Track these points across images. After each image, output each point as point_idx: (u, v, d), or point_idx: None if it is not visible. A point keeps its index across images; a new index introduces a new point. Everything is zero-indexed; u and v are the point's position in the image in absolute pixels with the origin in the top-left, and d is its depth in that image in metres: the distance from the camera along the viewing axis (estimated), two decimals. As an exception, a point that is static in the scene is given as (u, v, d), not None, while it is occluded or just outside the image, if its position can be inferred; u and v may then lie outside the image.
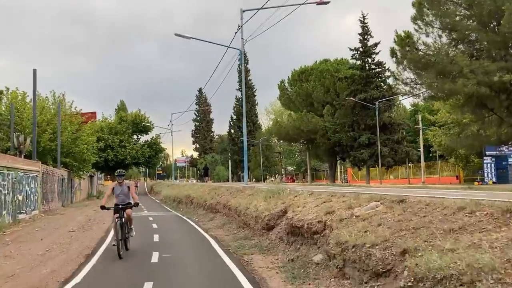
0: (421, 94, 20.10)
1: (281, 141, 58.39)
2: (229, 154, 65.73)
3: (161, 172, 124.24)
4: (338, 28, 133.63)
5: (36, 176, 19.84)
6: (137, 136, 49.44)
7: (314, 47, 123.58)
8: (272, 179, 57.39)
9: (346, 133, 32.78)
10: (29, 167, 18.93)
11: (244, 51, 64.07)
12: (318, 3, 17.93)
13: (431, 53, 17.75)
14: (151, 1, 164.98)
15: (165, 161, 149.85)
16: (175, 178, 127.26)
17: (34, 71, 20.55)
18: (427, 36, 18.04)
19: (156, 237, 11.43)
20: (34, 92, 20.90)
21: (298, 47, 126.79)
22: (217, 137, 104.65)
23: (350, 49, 34.33)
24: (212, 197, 17.46)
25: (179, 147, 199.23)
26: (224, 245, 9.72)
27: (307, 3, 17.41)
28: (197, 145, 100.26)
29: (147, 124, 48.80)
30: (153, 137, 51.02)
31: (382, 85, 34.09)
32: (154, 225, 14.22)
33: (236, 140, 63.99)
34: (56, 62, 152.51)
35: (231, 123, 64.67)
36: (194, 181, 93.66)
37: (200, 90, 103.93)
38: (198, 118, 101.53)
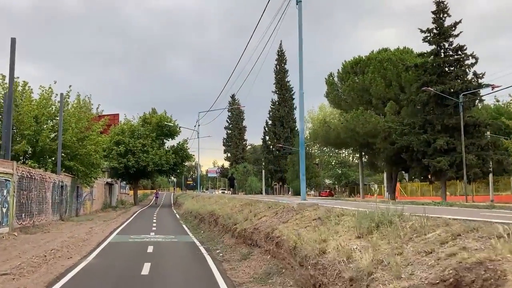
0: None
1: (324, 148, 52.07)
2: (263, 164, 59.65)
3: (191, 182, 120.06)
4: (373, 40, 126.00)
5: (7, 180, 14.63)
6: (162, 141, 44.49)
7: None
8: (313, 192, 50.53)
9: (417, 136, 25.65)
10: (-8, 167, 13.76)
11: (282, 49, 57.50)
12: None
13: None
14: (185, 15, 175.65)
15: (195, 171, 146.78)
16: (207, 189, 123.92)
17: (13, 40, 15.59)
18: None
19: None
20: (11, 64, 15.92)
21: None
22: (249, 146, 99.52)
23: (422, 31, 27.37)
24: (246, 218, 11.40)
25: (210, 158, 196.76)
26: None
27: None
28: (229, 154, 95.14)
29: (170, 123, 43.65)
30: (179, 142, 45.95)
31: (465, 74, 26.80)
32: (145, 268, 8.18)
33: (271, 147, 57.96)
34: (93, 73, 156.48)
35: (266, 128, 58.68)
36: (219, 192, 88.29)
37: (233, 96, 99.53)
38: (230, 126, 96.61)
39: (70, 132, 23.74)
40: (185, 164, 47.58)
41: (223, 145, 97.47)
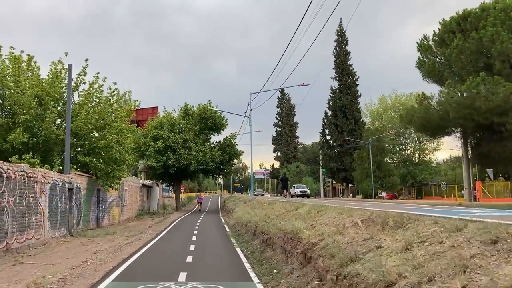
0: None
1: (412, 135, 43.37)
2: (321, 162, 51.71)
3: (238, 184, 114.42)
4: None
5: None
6: (206, 136, 38.39)
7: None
8: (384, 194, 41.88)
9: None
10: None
11: (342, 28, 49.43)
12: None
13: None
14: (230, 21, 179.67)
15: (242, 173, 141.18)
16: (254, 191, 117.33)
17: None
18: None
19: None
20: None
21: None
22: (300, 146, 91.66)
23: None
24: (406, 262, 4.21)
25: (257, 159, 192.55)
26: None
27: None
28: (279, 153, 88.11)
29: (215, 112, 37.41)
30: (226, 137, 39.62)
31: None
32: None
33: (331, 142, 49.92)
34: (143, 79, 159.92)
35: (325, 120, 50.71)
36: (269, 195, 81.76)
37: (282, 91, 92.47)
38: (280, 123, 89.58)
39: (83, 117, 17.85)
40: (234, 162, 41.04)
41: (273, 143, 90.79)
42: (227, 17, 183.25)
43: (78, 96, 19.36)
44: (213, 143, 39.40)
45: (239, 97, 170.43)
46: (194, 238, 14.37)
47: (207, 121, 37.77)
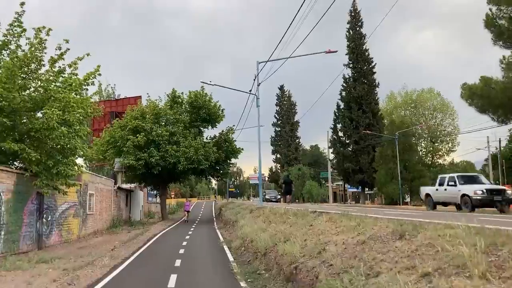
0: None
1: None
2: (334, 161, 45.48)
3: (233, 189, 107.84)
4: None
5: None
6: (198, 129, 32.14)
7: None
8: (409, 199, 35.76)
9: None
10: None
11: (356, 8, 43.65)
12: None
13: None
14: (224, 27, 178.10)
15: (237, 177, 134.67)
16: (248, 198, 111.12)
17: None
18: None
19: None
20: None
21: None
22: (301, 147, 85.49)
23: None
24: None
25: (251, 164, 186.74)
26: None
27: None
28: (278, 155, 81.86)
29: (209, 101, 31.42)
30: (223, 130, 33.39)
31: None
32: None
33: (344, 139, 43.72)
34: (137, 84, 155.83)
35: (337, 114, 44.50)
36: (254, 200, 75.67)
37: (281, 88, 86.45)
38: (279, 122, 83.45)
39: (3, 76, 11.59)
40: (231, 162, 34.77)
41: (271, 144, 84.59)
42: (222, 22, 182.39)
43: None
44: (206, 138, 33.20)
45: (233, 102, 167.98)
46: (172, 279, 8.11)
47: (200, 111, 31.54)
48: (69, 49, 14.64)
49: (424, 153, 59.85)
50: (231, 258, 10.46)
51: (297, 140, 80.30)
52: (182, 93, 32.59)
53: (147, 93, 42.10)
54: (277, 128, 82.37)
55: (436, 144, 61.30)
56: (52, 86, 13.39)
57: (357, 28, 43.86)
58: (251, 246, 10.36)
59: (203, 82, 25.96)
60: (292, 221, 10.83)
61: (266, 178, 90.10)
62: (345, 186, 56.26)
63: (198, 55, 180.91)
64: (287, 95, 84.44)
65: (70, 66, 14.64)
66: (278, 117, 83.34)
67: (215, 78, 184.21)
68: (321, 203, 50.18)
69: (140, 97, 37.31)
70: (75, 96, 13.61)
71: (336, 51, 17.69)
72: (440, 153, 63.20)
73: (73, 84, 13.67)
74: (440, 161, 62.46)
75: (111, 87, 51.98)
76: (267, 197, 39.02)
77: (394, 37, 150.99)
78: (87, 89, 15.49)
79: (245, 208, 21.53)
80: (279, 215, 12.67)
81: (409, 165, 34.05)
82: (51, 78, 13.83)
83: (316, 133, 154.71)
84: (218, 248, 13.10)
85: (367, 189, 45.54)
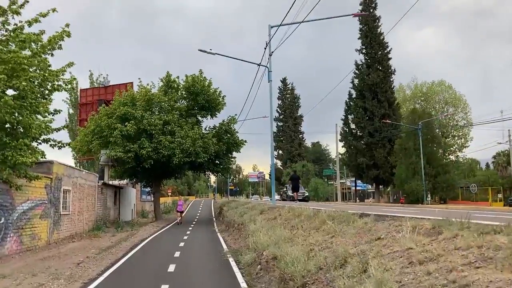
0: None
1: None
2: (346, 155, 41.92)
3: (233, 187, 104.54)
4: None
5: None
6: (196, 118, 28.69)
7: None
8: (429, 198, 32.21)
9: None
10: None
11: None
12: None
13: None
14: (222, 25, 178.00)
15: (236, 175, 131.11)
16: (247, 196, 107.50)
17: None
18: None
19: None
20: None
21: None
22: (305, 143, 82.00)
23: None
24: None
25: (250, 162, 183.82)
26: None
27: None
28: (280, 151, 78.35)
29: (208, 86, 28.07)
30: (223, 120, 29.93)
31: None
32: None
33: (356, 132, 40.18)
34: (135, 83, 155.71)
35: (349, 103, 41.00)
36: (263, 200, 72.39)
37: (284, 80, 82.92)
38: (282, 117, 79.92)
39: None
40: (233, 156, 31.29)
41: (274, 140, 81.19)
42: (220, 21, 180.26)
43: None
44: (205, 128, 29.77)
45: (231, 100, 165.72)
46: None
47: (198, 97, 28.09)
48: (28, 1, 11.25)
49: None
50: (243, 285, 7.00)
51: (301, 136, 76.89)
52: (178, 77, 29.19)
53: (139, 78, 38.40)
54: (279, 123, 78.89)
55: (448, 140, 58.11)
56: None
57: (371, 10, 40.29)
58: (274, 265, 6.93)
59: (201, 51, 22.30)
60: (331, 228, 7.40)
61: (267, 176, 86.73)
62: (354, 183, 52.79)
63: (196, 53, 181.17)
64: (290, 88, 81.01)
65: (29, 23, 11.22)
66: (280, 111, 79.83)
67: (215, 77, 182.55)
68: (324, 201, 46.83)
69: (131, 83, 33.78)
70: (26, 55, 10.12)
71: (367, 14, 14.29)
72: (451, 148, 60.02)
73: (26, 40, 10.19)
74: (452, 157, 59.21)
75: (103, 77, 48.54)
76: (289, 193, 32.37)
77: (413, 35, 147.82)
78: (51, 54, 12.02)
79: (252, 208, 18.07)
80: (306, 218, 9.25)
81: (432, 159, 30.58)
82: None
83: (318, 129, 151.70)
84: (222, 263, 9.64)
85: (381, 186, 42.09)
